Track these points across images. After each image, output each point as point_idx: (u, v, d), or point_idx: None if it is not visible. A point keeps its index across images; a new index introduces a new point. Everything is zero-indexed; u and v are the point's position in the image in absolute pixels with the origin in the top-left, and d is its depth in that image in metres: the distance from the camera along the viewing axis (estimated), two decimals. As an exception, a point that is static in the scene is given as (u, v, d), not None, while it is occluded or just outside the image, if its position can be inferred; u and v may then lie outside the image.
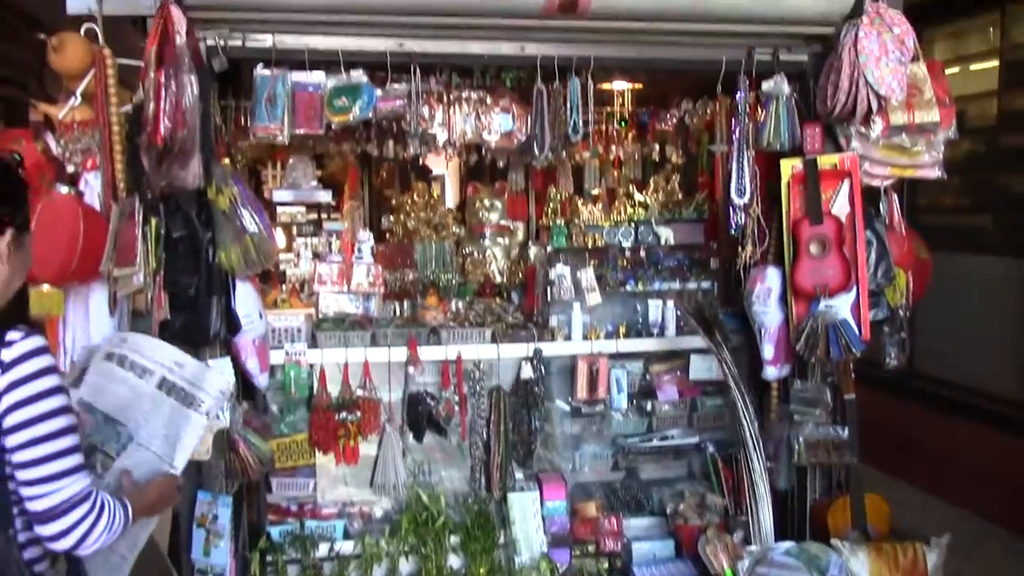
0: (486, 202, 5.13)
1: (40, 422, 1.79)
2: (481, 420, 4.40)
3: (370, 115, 3.80)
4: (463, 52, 3.96)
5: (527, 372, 4.39)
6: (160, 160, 3.47)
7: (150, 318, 3.53)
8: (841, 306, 3.99)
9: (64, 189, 3.54)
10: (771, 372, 4.25)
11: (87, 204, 3.58)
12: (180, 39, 3.40)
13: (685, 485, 4.68)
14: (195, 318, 3.57)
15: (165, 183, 3.50)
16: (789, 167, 4.04)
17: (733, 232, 4.12)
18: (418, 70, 3.89)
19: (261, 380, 3.91)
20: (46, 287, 3.48)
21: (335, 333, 4.23)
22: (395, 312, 4.63)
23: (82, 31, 3.61)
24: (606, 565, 4.37)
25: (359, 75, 3.79)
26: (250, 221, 3.62)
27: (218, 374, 2.76)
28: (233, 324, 3.67)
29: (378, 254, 4.66)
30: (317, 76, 3.77)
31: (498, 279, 5.04)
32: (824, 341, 3.94)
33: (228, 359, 3.74)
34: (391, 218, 5.19)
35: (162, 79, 3.31)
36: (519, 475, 4.47)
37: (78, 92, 3.62)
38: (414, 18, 3.78)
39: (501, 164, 4.99)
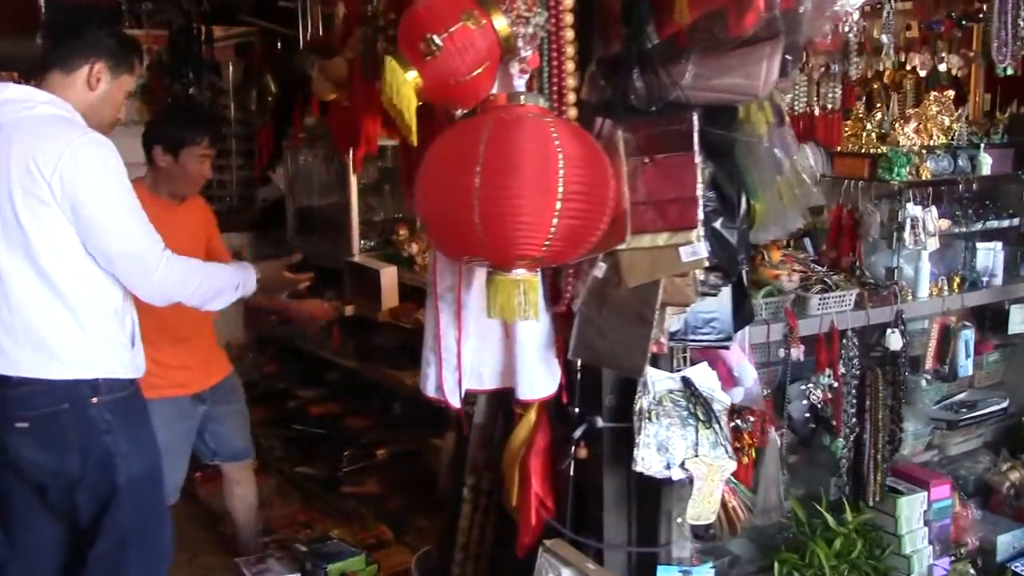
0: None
1: None
2: (851, 409, 3.40)
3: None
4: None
5: (895, 342, 3.44)
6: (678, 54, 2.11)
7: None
8: None
9: (532, 101, 2.09)
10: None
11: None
12: None
13: (990, 456, 4.03)
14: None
15: (696, 92, 2.14)
16: None
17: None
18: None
19: (738, 392, 2.65)
20: (521, 272, 2.04)
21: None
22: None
23: None
24: (971, 569, 3.61)
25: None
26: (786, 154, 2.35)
27: None
28: (746, 313, 2.40)
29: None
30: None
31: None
32: None
33: (705, 365, 2.46)
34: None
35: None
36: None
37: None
38: None
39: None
